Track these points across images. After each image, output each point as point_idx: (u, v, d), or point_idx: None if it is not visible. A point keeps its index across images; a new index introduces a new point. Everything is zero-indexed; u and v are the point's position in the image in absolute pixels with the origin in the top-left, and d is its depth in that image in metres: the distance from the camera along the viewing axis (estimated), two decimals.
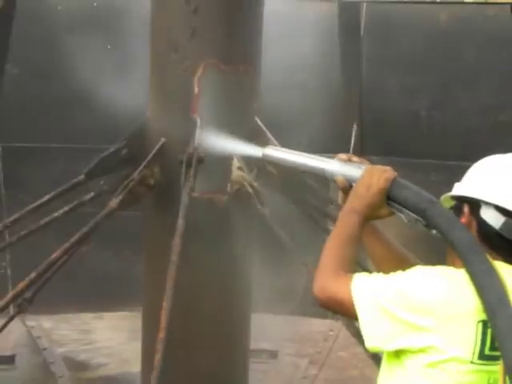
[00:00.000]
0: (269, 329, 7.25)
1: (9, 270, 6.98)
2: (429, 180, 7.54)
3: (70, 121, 6.76)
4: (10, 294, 3.84)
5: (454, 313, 2.16)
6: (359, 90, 7.66)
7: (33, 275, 3.76)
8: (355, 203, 2.45)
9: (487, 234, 2.30)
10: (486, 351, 2.17)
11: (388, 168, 2.50)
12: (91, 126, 6.62)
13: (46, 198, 4.17)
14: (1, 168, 6.87)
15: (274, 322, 7.06)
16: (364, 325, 2.25)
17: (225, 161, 4.11)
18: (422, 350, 2.20)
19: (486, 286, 2.13)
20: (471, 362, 2.17)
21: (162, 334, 3.41)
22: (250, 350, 4.64)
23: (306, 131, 7.35)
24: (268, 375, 6.43)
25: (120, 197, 3.96)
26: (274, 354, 6.79)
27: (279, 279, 7.52)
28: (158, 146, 4.07)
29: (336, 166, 2.64)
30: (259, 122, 4.25)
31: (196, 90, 4.04)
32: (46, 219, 4.24)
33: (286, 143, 7.19)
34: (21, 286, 3.77)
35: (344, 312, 2.34)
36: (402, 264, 2.52)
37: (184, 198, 3.82)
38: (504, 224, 2.26)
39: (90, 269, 7.04)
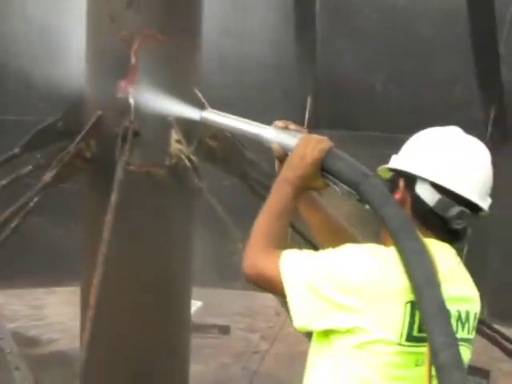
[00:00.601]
0: (221, 304, 7.26)
1: None
2: (379, 153, 7.50)
3: None
4: None
5: (380, 293, 2.10)
6: (313, 63, 7.64)
7: None
8: (289, 174, 2.35)
9: (421, 211, 2.23)
10: (415, 333, 2.11)
11: (324, 138, 2.39)
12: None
13: None
14: None
15: (227, 297, 7.06)
16: (292, 303, 2.19)
17: (163, 134, 4.05)
18: (348, 331, 2.14)
19: (415, 265, 2.06)
20: (399, 344, 2.11)
21: (90, 312, 3.36)
22: (190, 325, 4.59)
23: (260, 104, 7.32)
24: (219, 350, 6.43)
25: (54, 170, 3.89)
26: (226, 329, 6.79)
27: (231, 254, 7.52)
28: (93, 119, 4.00)
29: (272, 134, 2.54)
30: (199, 95, 4.18)
31: (133, 61, 3.96)
32: None
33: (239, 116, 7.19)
34: None
35: (273, 290, 2.27)
36: (340, 236, 2.49)
37: (118, 173, 3.77)
38: (439, 201, 2.20)
39: (41, 243, 6.98)
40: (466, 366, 2.20)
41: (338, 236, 2.50)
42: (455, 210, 2.18)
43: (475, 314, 2.28)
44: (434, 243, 2.21)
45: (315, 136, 2.41)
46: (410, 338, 2.10)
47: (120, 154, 3.81)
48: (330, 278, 2.14)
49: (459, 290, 2.22)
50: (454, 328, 2.14)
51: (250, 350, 6.41)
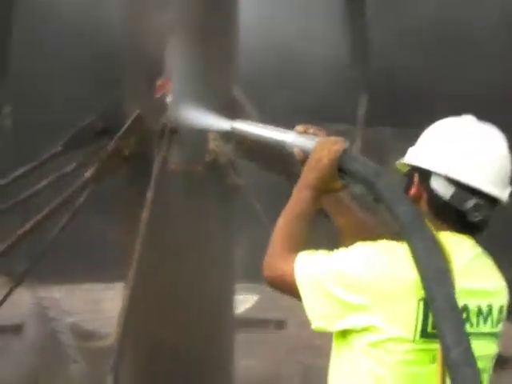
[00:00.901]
0: (278, 299, 7.25)
1: None
2: None
3: None
4: None
5: (392, 290, 2.07)
6: (366, 60, 7.59)
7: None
8: (307, 177, 2.32)
9: (437, 205, 2.18)
10: (429, 329, 2.06)
11: (339, 139, 2.37)
12: None
13: (23, 169, 4.19)
14: None
15: None
16: (307, 306, 2.16)
17: (201, 131, 4.08)
18: (364, 329, 2.11)
19: (425, 262, 2.03)
20: (413, 341, 2.07)
21: (125, 306, 3.41)
22: (234, 321, 4.61)
23: (313, 100, 7.32)
24: (274, 345, 6.44)
25: (94, 168, 3.96)
26: (281, 324, 6.79)
27: None
28: (132, 118, 4.05)
29: (293, 138, 2.52)
30: (239, 93, 4.20)
31: (169, 60, 4.01)
32: (30, 191, 4.28)
33: (293, 111, 7.20)
34: None
35: (290, 292, 2.22)
36: (370, 237, 2.47)
37: (155, 170, 3.81)
38: (453, 194, 2.14)
39: (100, 239, 7.10)
40: (491, 359, 2.20)
41: (367, 237, 2.48)
42: (471, 202, 2.14)
43: (501, 306, 2.21)
44: (450, 237, 2.16)
45: (331, 138, 2.40)
46: (425, 334, 2.06)
47: (157, 151, 3.85)
48: (340, 279, 2.12)
49: (479, 283, 2.16)
50: (475, 322, 2.12)
51: (305, 346, 6.40)
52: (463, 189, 2.14)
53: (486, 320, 2.17)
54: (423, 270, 2.02)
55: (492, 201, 2.16)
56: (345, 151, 2.33)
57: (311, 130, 2.49)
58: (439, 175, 2.17)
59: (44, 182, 4.28)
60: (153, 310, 4.10)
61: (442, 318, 1.96)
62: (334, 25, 7.41)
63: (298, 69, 7.48)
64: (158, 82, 4.05)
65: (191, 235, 4.11)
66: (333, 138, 2.39)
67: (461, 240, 2.18)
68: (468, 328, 2.08)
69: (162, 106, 4.00)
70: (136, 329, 4.00)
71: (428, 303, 2.03)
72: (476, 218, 2.14)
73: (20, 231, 3.83)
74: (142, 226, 3.65)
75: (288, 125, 2.62)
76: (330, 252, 2.23)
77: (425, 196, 2.21)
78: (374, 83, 7.67)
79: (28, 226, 3.83)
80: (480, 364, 2.08)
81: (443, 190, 2.16)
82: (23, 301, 6.81)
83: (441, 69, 7.57)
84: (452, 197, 2.14)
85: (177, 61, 4.01)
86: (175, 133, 3.93)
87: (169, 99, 3.98)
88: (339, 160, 2.32)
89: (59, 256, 6.84)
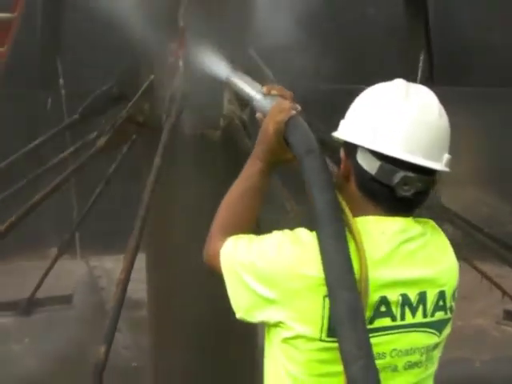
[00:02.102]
0: None
1: None
2: (502, 109, 7.23)
3: None
4: None
5: (298, 286, 1.90)
6: (426, 20, 7.37)
7: (13, 218, 3.79)
8: (256, 149, 2.17)
9: (364, 182, 1.98)
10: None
11: (286, 105, 2.16)
12: None
13: (42, 138, 4.21)
14: None
15: None
16: (229, 295, 2.05)
17: (216, 95, 4.01)
18: (275, 325, 1.97)
19: (331, 262, 1.83)
20: (320, 340, 1.90)
21: (124, 277, 3.38)
22: None
23: (372, 59, 7.19)
24: None
25: (108, 135, 3.94)
26: None
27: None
28: (146, 84, 4.01)
29: (259, 99, 2.36)
30: (255, 56, 4.10)
31: (181, 23, 3.93)
32: (55, 160, 4.31)
33: (352, 71, 7.09)
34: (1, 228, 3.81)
35: (221, 276, 2.10)
36: None
37: (164, 136, 3.75)
38: (379, 168, 1.94)
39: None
40: (429, 350, 2.01)
41: None
42: (399, 175, 1.93)
43: (440, 292, 2.01)
44: (375, 222, 1.97)
45: (280, 104, 2.19)
46: (332, 333, 1.87)
47: (167, 116, 3.79)
48: (253, 270, 1.98)
49: (406, 270, 1.95)
50: (399, 314, 1.93)
51: None
52: (389, 162, 1.94)
53: (415, 310, 1.97)
54: (327, 269, 1.83)
55: (426, 172, 1.95)
56: (292, 119, 2.13)
57: (274, 91, 2.29)
58: (363, 148, 1.97)
59: (69, 150, 4.30)
60: (184, 284, 4.06)
61: (341, 326, 1.78)
62: None
63: (351, 28, 7.33)
64: (172, 45, 3.99)
65: (203, 201, 4.04)
66: (281, 105, 2.18)
67: (389, 224, 1.98)
68: (389, 322, 1.93)
69: (175, 71, 3.93)
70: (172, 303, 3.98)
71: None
72: (406, 192, 1.94)
73: (31, 201, 3.82)
74: (146, 192, 3.59)
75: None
76: (254, 238, 2.07)
77: (352, 171, 2.02)
78: (435, 41, 7.46)
79: (38, 196, 3.83)
80: (412, 357, 1.97)
81: (369, 164, 1.96)
82: (74, 271, 6.94)
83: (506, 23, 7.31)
84: (378, 171, 1.94)
85: (191, 23, 3.93)
86: (187, 98, 3.85)
87: (181, 63, 3.91)
88: (284, 130, 2.12)
89: (112, 226, 6.92)
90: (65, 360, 5.59)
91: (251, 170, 2.18)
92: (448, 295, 2.03)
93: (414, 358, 1.99)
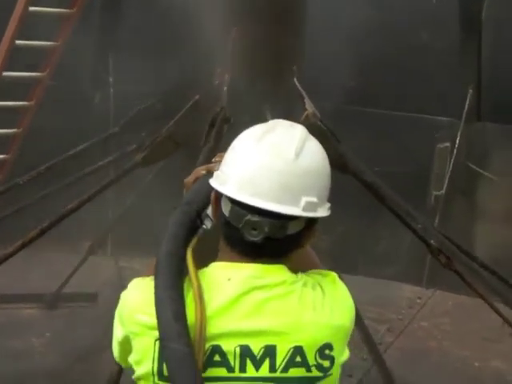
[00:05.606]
0: (354, 291, 7.13)
1: None
2: None
3: None
4: (19, 242, 3.92)
5: (137, 329, 1.91)
6: (478, 54, 7.33)
7: (45, 224, 3.85)
8: None
9: (222, 224, 1.94)
10: (165, 372, 1.86)
11: (199, 169, 2.20)
12: None
13: (82, 146, 4.27)
14: None
15: (362, 285, 6.92)
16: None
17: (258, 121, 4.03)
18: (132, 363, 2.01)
19: (161, 310, 1.84)
20: (154, 383, 1.90)
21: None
22: None
23: (420, 93, 7.18)
24: None
25: (146, 152, 3.98)
26: None
27: (376, 239, 7.43)
28: (190, 103, 4.05)
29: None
30: (298, 85, 4.12)
31: (230, 48, 3.97)
32: (90, 168, 4.37)
33: (399, 101, 7.08)
34: (31, 234, 3.87)
35: None
36: None
37: (200, 159, 3.77)
38: (231, 211, 1.89)
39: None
40: None
41: None
42: (245, 218, 1.87)
43: (293, 348, 1.89)
44: (226, 267, 1.93)
45: (196, 169, 2.23)
46: (162, 377, 1.87)
47: (205, 140, 3.82)
48: (117, 311, 2.02)
49: (251, 321, 1.88)
50: (237, 366, 1.88)
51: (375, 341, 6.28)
52: (238, 205, 1.88)
53: (259, 363, 1.88)
54: (157, 318, 1.84)
55: (277, 217, 1.86)
56: (199, 178, 2.15)
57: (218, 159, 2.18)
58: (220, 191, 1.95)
59: (107, 160, 4.35)
60: None
61: (171, 374, 1.81)
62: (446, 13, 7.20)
63: (403, 55, 7.31)
64: (218, 69, 4.03)
65: None
66: (196, 169, 2.22)
67: (238, 270, 1.93)
68: (225, 373, 1.87)
69: (218, 94, 3.97)
70: None
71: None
72: (254, 237, 1.87)
73: (66, 208, 3.88)
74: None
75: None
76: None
77: (219, 216, 1.98)
78: (485, 78, 7.42)
79: (75, 203, 3.89)
80: None
81: (225, 207, 1.92)
82: (103, 270, 6.98)
83: None
84: (230, 214, 1.90)
85: (237, 50, 3.97)
86: (228, 122, 3.88)
87: (225, 88, 3.95)
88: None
89: (144, 228, 6.96)
90: (81, 359, 5.63)
91: None
92: (308, 351, 1.91)
93: None
